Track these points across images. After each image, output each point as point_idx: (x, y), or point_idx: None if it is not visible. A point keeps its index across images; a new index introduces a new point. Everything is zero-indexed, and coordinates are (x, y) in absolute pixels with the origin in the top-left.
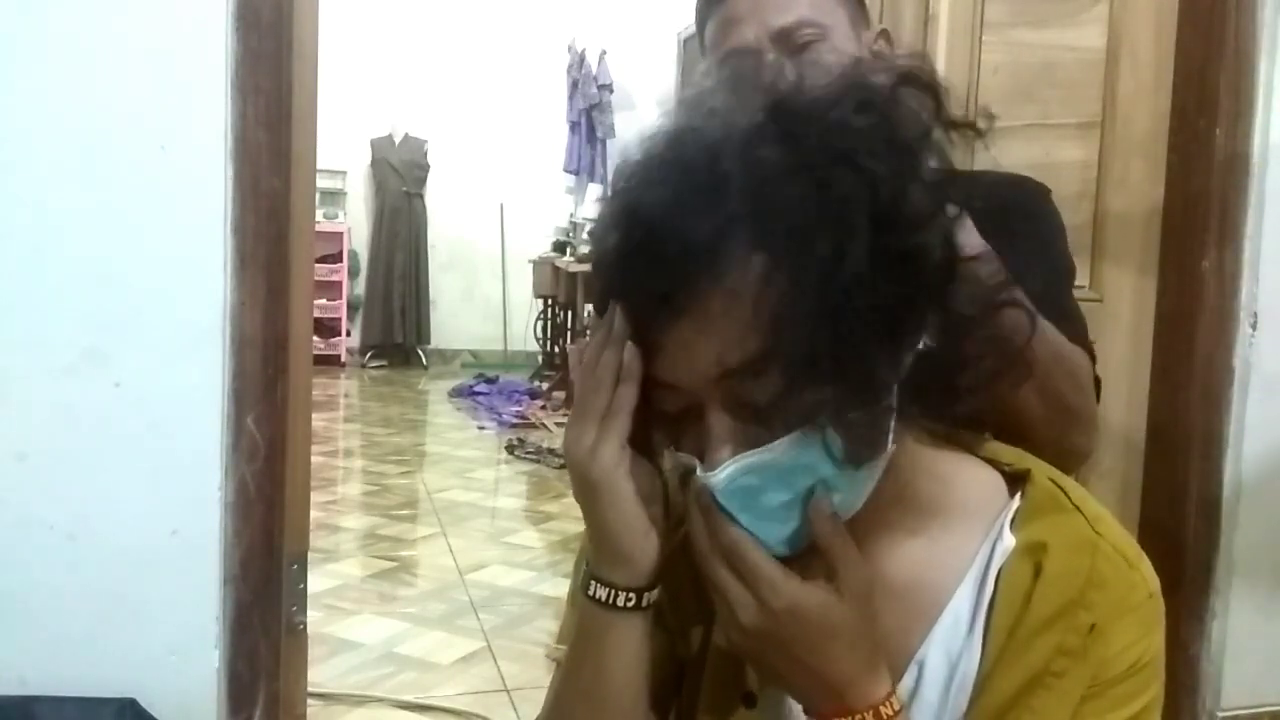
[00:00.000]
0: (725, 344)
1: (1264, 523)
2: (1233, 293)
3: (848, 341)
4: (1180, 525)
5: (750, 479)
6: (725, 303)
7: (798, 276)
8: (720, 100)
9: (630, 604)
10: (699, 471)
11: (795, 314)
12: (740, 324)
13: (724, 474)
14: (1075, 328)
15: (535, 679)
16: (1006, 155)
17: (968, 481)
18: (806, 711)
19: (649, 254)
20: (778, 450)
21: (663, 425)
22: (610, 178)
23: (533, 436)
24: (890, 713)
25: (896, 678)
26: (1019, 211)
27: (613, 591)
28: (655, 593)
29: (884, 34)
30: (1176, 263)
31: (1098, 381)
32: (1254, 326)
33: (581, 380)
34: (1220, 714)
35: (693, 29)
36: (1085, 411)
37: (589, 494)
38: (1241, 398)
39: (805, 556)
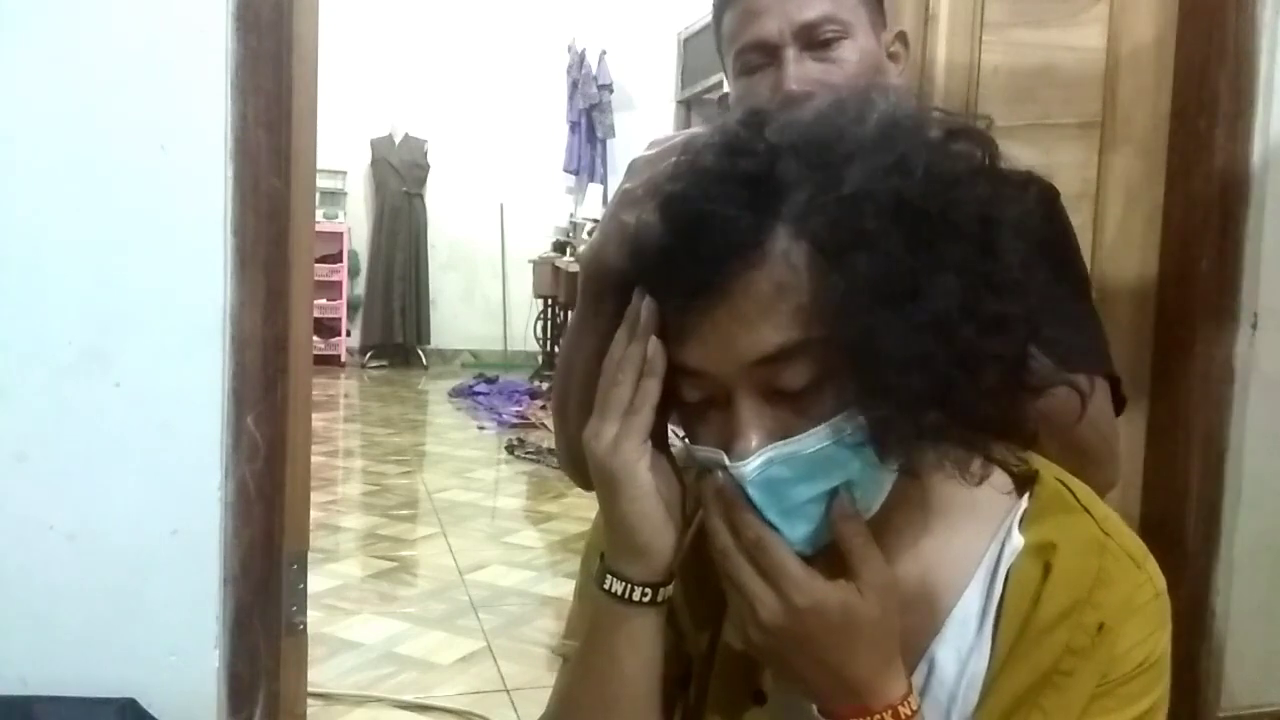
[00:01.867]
0: (763, 329)
1: (1264, 523)
2: (1233, 293)
3: (889, 333)
4: (1180, 525)
5: (780, 470)
6: (766, 287)
7: (841, 265)
8: (783, 113)
9: (646, 598)
10: (727, 462)
11: (837, 302)
12: (780, 309)
13: (755, 463)
14: (1098, 347)
15: (535, 679)
16: (1006, 155)
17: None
18: (822, 711)
19: (695, 236)
20: (809, 441)
21: (681, 419)
22: (616, 178)
23: (533, 436)
24: (908, 712)
25: (907, 676)
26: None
27: (629, 586)
28: (670, 588)
29: (900, 36)
30: (1176, 263)
31: (1123, 401)
32: (1254, 326)
33: (603, 374)
34: (1220, 714)
35: (692, 29)
36: (1104, 453)
37: (609, 487)
38: (1241, 398)
39: (825, 555)
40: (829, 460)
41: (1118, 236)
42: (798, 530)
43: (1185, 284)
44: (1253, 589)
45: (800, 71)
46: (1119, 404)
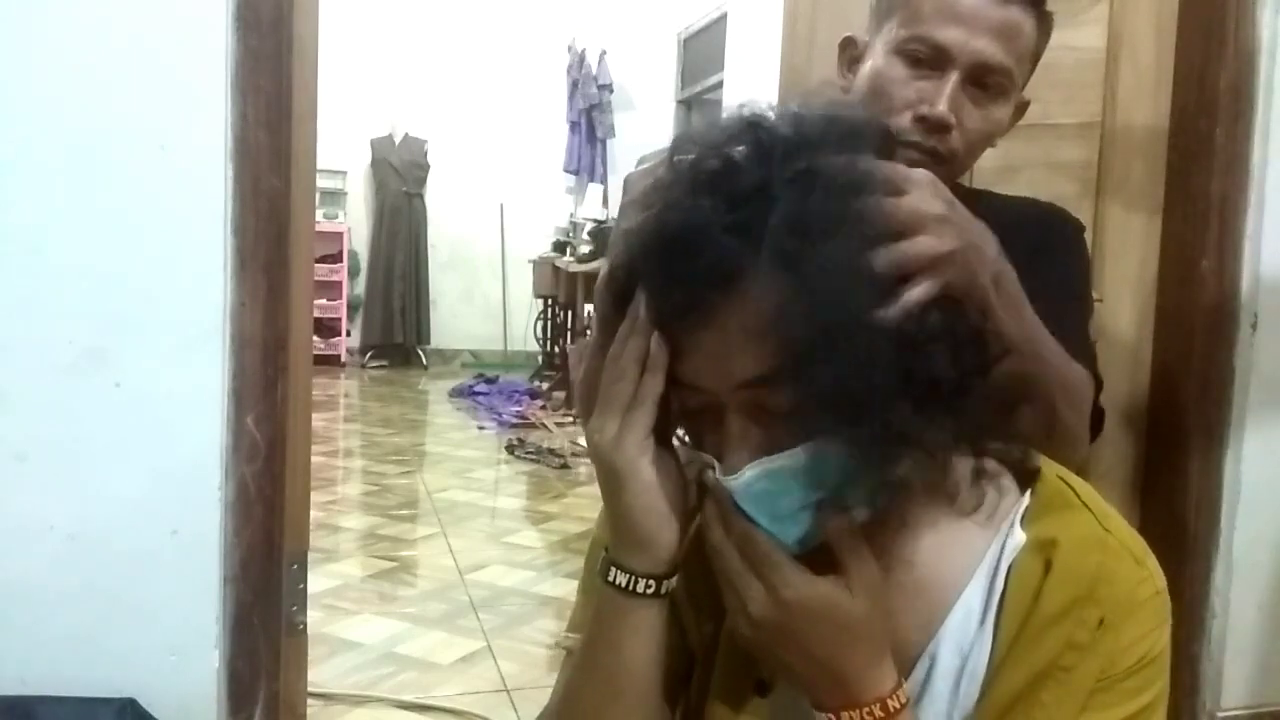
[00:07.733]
0: (748, 355)
1: (1264, 523)
2: (1233, 293)
3: (870, 360)
4: (1180, 525)
5: (768, 483)
6: (750, 314)
7: (824, 296)
8: (774, 124)
9: (649, 590)
10: (717, 474)
11: (820, 332)
12: (763, 335)
13: (743, 479)
14: (1086, 365)
15: (535, 679)
16: (1006, 155)
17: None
18: (813, 704)
19: (681, 262)
20: (795, 457)
21: (683, 419)
22: (631, 176)
23: (533, 436)
24: (897, 706)
25: (908, 671)
26: (1051, 243)
27: (633, 578)
28: (674, 580)
29: (1023, 105)
30: (1176, 263)
31: (1101, 415)
32: (1254, 326)
33: (606, 369)
34: (1220, 714)
35: (692, 29)
36: (1075, 430)
37: (612, 481)
38: (1241, 398)
39: (817, 553)
40: (815, 473)
41: (1118, 236)
42: (788, 533)
43: (1185, 284)
44: (1253, 589)
45: (955, 98)
46: (1098, 420)
